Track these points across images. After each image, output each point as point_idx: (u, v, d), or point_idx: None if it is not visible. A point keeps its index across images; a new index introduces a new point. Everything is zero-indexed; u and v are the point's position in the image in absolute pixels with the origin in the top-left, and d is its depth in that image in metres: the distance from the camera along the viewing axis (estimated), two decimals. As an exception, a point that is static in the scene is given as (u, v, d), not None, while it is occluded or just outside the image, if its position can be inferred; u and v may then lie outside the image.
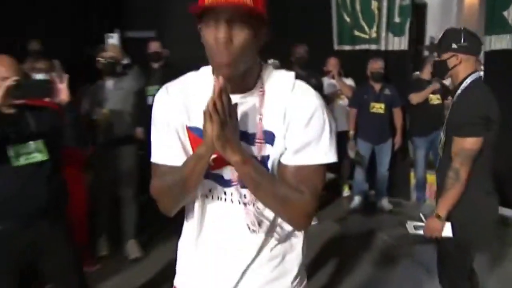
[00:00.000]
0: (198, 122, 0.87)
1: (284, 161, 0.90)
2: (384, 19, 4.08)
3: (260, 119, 0.89)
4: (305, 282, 1.05)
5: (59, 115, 1.70)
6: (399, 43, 4.04)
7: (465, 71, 1.65)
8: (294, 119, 0.88)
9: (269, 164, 0.90)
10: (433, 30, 6.08)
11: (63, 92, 1.69)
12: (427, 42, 6.25)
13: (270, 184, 0.87)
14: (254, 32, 0.81)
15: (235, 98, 0.85)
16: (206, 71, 0.95)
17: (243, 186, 0.90)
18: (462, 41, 1.65)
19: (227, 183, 0.92)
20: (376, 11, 4.16)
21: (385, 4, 4.06)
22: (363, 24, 4.30)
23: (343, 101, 4.05)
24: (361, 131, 3.83)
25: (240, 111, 0.87)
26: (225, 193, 0.93)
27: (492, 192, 1.69)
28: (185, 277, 1.06)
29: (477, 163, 1.57)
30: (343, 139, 3.68)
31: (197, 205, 0.96)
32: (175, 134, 0.95)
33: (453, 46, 1.66)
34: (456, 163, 1.57)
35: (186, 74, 1.02)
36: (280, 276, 0.97)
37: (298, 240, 1.00)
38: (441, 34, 1.77)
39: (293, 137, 0.88)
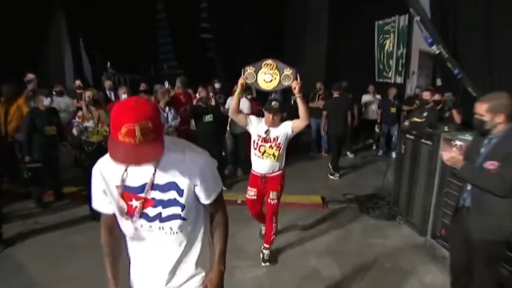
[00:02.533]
0: (121, 180, 1.38)
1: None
2: (393, 68, 8.59)
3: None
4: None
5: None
6: (400, 79, 8.53)
7: None
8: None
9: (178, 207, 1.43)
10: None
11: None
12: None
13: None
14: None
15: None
16: None
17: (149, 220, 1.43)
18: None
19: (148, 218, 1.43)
20: (391, 62, 8.68)
21: (394, 58, 8.56)
22: (387, 68, 8.83)
23: (375, 105, 8.47)
24: (384, 119, 8.19)
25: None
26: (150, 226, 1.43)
27: None
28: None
29: None
30: (374, 124, 8.20)
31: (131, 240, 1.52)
32: (108, 196, 1.44)
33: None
34: None
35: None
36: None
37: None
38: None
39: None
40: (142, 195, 1.39)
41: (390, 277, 3.28)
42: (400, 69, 8.41)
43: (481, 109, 2.25)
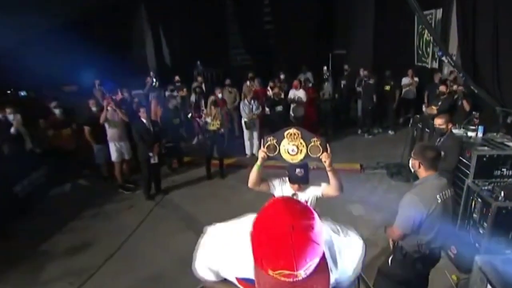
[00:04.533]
0: (248, 273, 1.09)
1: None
2: (430, 54, 10.01)
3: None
4: None
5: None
6: (435, 64, 9.95)
7: None
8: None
9: None
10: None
11: None
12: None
13: None
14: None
15: None
16: (249, 222, 0.99)
17: None
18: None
19: None
20: (428, 49, 10.08)
21: (431, 46, 9.96)
22: (425, 54, 10.27)
23: (413, 87, 9.99)
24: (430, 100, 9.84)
25: None
26: None
27: None
28: None
29: None
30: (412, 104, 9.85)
31: None
32: (218, 274, 1.26)
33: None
34: None
35: (230, 222, 1.20)
36: None
37: None
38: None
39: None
40: None
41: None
42: (436, 56, 9.84)
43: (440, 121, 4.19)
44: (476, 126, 4.80)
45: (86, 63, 8.61)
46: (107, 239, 5.01)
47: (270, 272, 0.91)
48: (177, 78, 9.76)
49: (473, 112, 5.44)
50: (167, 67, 12.92)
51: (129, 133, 6.22)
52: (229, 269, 1.24)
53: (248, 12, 12.96)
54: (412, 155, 2.90)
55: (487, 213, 3.71)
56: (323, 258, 0.99)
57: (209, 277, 1.34)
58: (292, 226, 0.90)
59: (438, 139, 4.32)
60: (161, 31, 13.22)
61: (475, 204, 3.98)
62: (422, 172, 2.79)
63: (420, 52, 10.50)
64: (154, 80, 9.73)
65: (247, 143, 8.09)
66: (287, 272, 0.89)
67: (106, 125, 6.09)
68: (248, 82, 9.07)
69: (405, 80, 9.99)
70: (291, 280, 0.90)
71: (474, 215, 3.98)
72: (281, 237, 0.90)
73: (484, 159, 4.10)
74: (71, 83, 9.37)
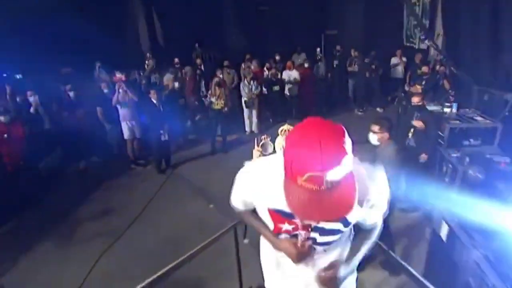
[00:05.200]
0: (279, 205, 1.21)
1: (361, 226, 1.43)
2: (417, 36, 10.56)
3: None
4: None
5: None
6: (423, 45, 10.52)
7: None
8: (371, 201, 1.30)
9: (337, 235, 1.37)
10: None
11: None
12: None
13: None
14: None
15: None
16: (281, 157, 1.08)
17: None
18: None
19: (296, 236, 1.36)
20: (416, 31, 10.64)
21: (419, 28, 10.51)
22: (413, 35, 10.82)
23: (401, 67, 10.56)
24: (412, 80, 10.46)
25: None
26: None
27: None
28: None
29: None
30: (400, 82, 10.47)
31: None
32: (251, 204, 1.40)
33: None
34: None
35: (267, 158, 1.33)
36: None
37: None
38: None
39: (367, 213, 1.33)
40: (297, 221, 1.31)
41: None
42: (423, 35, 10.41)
43: (416, 99, 4.83)
44: (451, 103, 5.47)
45: (78, 45, 8.80)
46: (127, 207, 5.66)
47: (299, 180, 0.96)
48: (176, 60, 10.15)
49: (449, 91, 6.09)
50: (161, 49, 12.93)
51: (139, 113, 6.77)
52: (262, 201, 1.32)
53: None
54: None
55: (455, 177, 4.42)
56: (351, 175, 1.03)
57: (244, 207, 1.48)
58: (321, 135, 0.96)
59: (416, 114, 4.98)
60: (155, 13, 13.06)
61: (446, 169, 4.69)
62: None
63: (408, 33, 11.04)
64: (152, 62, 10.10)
65: (246, 121, 8.71)
66: (314, 174, 0.93)
67: (118, 106, 6.63)
68: (245, 64, 9.57)
69: (393, 60, 10.57)
70: (317, 187, 0.95)
71: (446, 179, 4.69)
72: (311, 142, 0.95)
73: (456, 131, 4.78)
74: (66, 66, 9.46)
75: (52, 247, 4.74)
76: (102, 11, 10.07)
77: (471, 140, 4.79)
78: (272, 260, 1.58)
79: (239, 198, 1.45)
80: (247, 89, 8.30)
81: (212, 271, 3.84)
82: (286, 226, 1.32)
